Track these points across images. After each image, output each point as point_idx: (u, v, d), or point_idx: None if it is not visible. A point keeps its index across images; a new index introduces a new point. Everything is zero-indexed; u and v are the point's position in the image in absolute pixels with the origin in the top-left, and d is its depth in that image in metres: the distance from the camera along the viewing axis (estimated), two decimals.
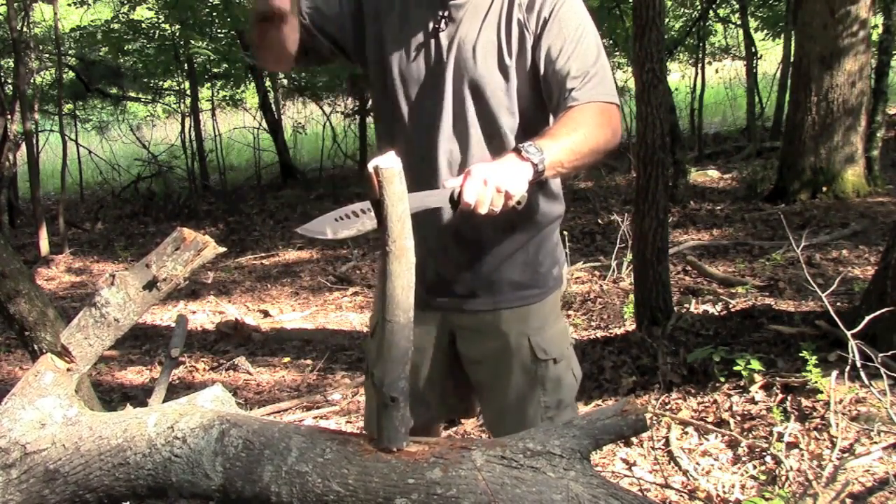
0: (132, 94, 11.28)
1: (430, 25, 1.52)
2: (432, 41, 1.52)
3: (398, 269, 1.12)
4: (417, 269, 1.21)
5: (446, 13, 1.51)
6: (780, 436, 2.63)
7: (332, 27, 1.58)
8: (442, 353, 1.75)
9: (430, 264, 1.60)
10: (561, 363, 1.71)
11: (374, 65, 1.60)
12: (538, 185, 1.50)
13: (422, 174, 1.51)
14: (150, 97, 11.78)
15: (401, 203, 1.10)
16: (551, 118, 1.56)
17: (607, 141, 1.43)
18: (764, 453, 2.60)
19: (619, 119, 1.49)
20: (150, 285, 1.30)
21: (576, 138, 1.37)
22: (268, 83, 10.17)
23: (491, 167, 1.29)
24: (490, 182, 1.26)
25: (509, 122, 1.54)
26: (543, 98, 1.52)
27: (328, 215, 1.25)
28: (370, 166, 1.09)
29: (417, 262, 1.28)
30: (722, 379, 3.06)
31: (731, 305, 4.08)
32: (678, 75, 12.35)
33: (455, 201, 1.29)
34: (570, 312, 4.47)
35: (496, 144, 1.54)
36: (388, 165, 1.08)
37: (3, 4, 8.26)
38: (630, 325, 4.01)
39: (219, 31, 9.88)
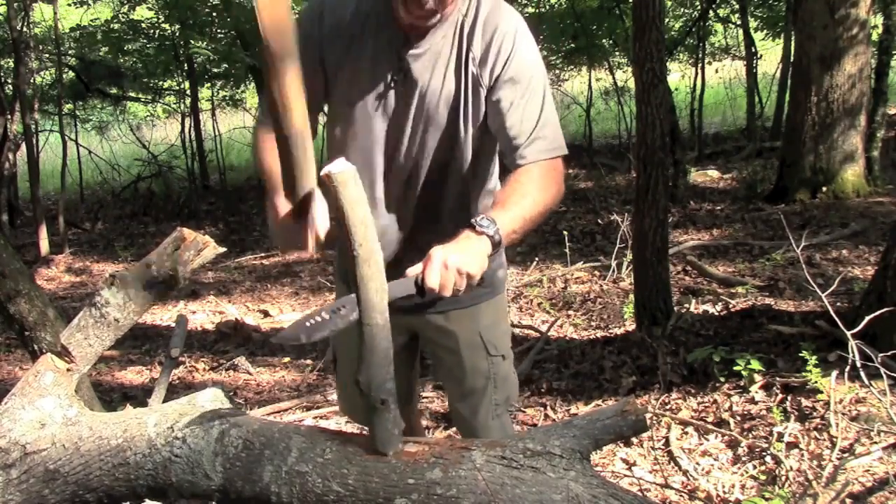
0: (132, 94, 11.26)
1: (388, 77, 1.54)
2: (391, 92, 1.55)
3: (368, 272, 1.10)
4: None
5: (403, 63, 1.53)
6: (780, 436, 2.63)
7: (320, 95, 1.62)
8: (405, 351, 1.85)
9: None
10: (507, 361, 1.84)
11: (333, 112, 1.63)
12: (481, 191, 1.66)
13: (385, 216, 1.63)
14: (150, 97, 11.76)
15: (359, 206, 1.08)
16: (495, 165, 1.68)
17: (553, 200, 1.51)
18: (764, 453, 2.60)
19: (562, 172, 1.54)
20: (151, 285, 1.30)
21: (525, 205, 1.44)
22: None
23: (450, 250, 1.32)
24: (451, 266, 1.30)
25: (461, 166, 1.60)
26: (490, 144, 1.60)
27: (300, 320, 1.28)
28: (322, 173, 1.07)
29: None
30: (722, 379, 3.06)
31: (731, 305, 4.08)
32: (678, 75, 12.34)
33: (420, 286, 1.32)
34: (570, 312, 4.47)
35: (449, 187, 1.62)
36: (341, 170, 1.07)
37: (3, 4, 8.26)
38: (630, 325, 4.01)
39: (219, 31, 9.87)
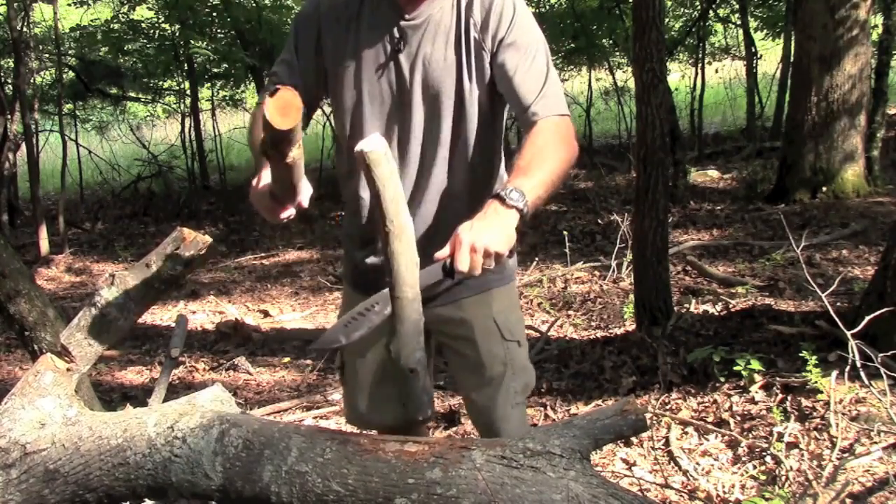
0: (132, 94, 11.27)
1: (387, 48, 1.55)
2: (391, 63, 1.56)
3: (400, 247, 1.14)
4: (379, 270, 1.27)
5: (401, 34, 1.54)
6: (780, 436, 2.63)
7: (316, 87, 1.64)
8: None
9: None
10: (523, 348, 1.82)
11: (336, 94, 1.63)
12: (489, 178, 1.65)
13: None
14: (150, 97, 11.77)
15: (391, 183, 1.11)
16: (500, 143, 1.68)
17: (570, 160, 1.49)
18: (764, 453, 2.60)
19: (573, 131, 1.53)
20: (150, 285, 1.30)
21: (547, 169, 1.41)
22: (268, 83, 10.17)
23: (477, 230, 1.29)
24: (479, 248, 1.28)
25: (469, 136, 1.60)
26: (495, 110, 1.61)
27: (338, 323, 1.31)
28: (356, 150, 1.09)
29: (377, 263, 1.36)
30: (722, 379, 3.06)
31: (731, 305, 4.08)
32: (678, 75, 12.33)
33: (448, 270, 1.31)
34: (570, 312, 4.47)
35: (458, 159, 1.61)
36: (374, 148, 1.09)
37: (3, 4, 8.26)
38: (630, 325, 4.01)
39: (219, 31, 9.88)
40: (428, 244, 1.54)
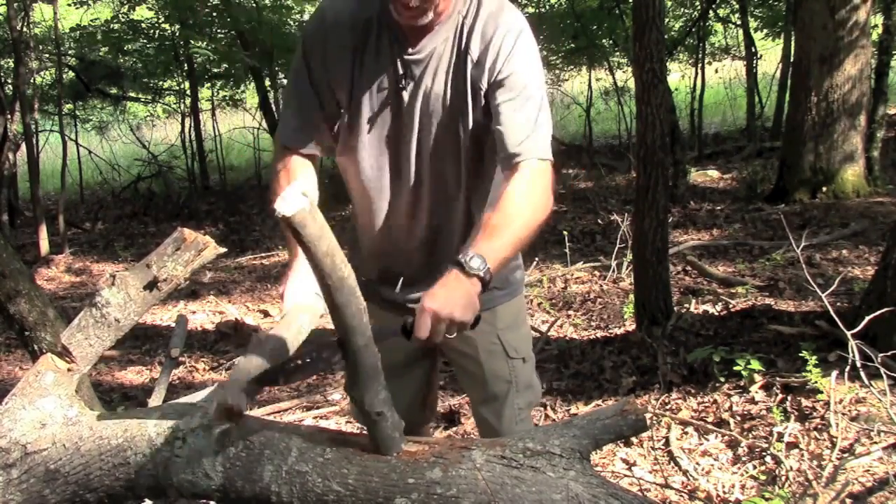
0: (132, 94, 11.27)
1: (390, 82, 1.53)
2: (393, 97, 1.53)
3: (342, 299, 1.10)
4: (388, 277, 1.31)
5: (405, 69, 1.52)
6: (780, 436, 2.63)
7: (324, 125, 1.62)
8: (423, 362, 1.84)
9: (398, 277, 1.65)
10: (528, 364, 1.82)
11: (340, 125, 1.61)
12: (489, 197, 1.62)
13: (396, 223, 1.62)
14: (150, 97, 11.77)
15: (322, 241, 1.04)
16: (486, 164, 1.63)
17: (543, 212, 1.46)
18: (764, 453, 2.60)
19: (550, 178, 1.50)
20: (151, 285, 1.30)
21: (515, 227, 1.40)
22: (268, 83, 10.17)
23: (441, 300, 1.29)
24: (443, 317, 1.28)
25: (463, 170, 1.58)
26: (484, 145, 1.57)
27: (287, 361, 1.26)
28: (277, 214, 0.99)
29: (386, 270, 1.41)
30: (722, 379, 3.06)
31: (731, 305, 4.08)
32: (678, 75, 12.32)
33: (407, 332, 1.31)
34: (570, 312, 4.47)
35: (450, 191, 1.60)
36: (296, 209, 0.98)
37: (3, 4, 8.26)
38: (630, 325, 4.01)
39: (219, 31, 9.87)
40: (422, 277, 1.54)
